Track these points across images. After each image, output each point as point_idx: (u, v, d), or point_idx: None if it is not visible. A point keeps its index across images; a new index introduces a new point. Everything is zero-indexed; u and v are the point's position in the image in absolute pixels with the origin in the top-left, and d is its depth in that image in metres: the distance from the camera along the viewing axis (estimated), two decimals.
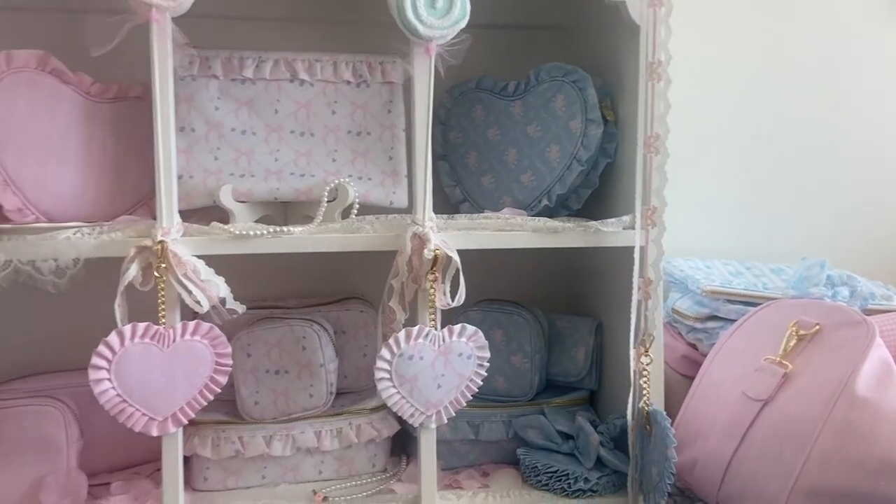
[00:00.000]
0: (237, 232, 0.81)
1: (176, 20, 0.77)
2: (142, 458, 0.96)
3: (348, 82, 0.90)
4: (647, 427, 0.87)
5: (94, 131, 0.87)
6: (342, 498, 0.89)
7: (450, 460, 0.97)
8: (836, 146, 1.32)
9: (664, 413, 0.85)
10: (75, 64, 0.86)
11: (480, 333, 0.85)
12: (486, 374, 0.86)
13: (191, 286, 0.77)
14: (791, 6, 1.29)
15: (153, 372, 0.77)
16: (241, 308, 0.82)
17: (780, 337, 0.87)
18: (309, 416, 0.93)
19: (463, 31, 0.81)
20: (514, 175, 0.98)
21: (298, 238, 0.82)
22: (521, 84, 0.99)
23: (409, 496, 0.89)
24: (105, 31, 0.75)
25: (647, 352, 0.88)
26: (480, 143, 1.01)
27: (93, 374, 0.75)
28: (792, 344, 0.85)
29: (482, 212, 0.96)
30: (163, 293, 0.77)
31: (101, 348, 0.75)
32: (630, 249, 0.88)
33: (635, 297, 0.88)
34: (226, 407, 0.93)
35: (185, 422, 0.79)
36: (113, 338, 0.75)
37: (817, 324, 0.85)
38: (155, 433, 0.78)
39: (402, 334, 0.82)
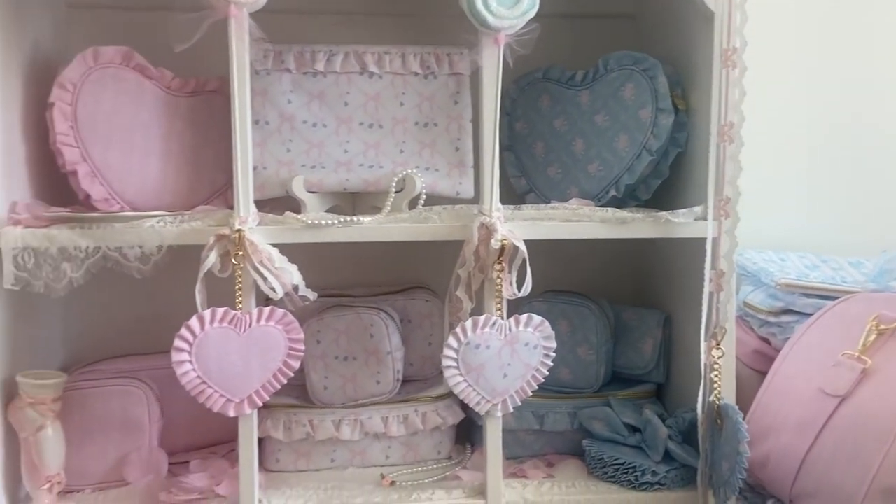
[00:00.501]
0: (310, 221, 0.83)
1: (251, 15, 0.79)
2: (216, 439, 1.00)
3: (416, 74, 0.91)
4: (718, 421, 0.86)
5: (173, 124, 0.91)
6: (409, 483, 0.91)
7: (514, 449, 0.97)
8: None
9: (736, 407, 0.84)
10: (151, 59, 0.89)
11: (547, 323, 0.85)
12: (552, 364, 0.86)
13: (266, 273, 0.80)
14: None
15: (231, 355, 0.80)
16: (312, 295, 0.84)
17: (858, 332, 0.84)
18: (376, 403, 0.95)
19: (531, 20, 0.81)
20: (581, 165, 0.97)
21: (368, 227, 0.84)
22: (588, 73, 0.98)
23: (475, 483, 0.90)
24: (186, 27, 0.78)
25: (718, 345, 0.86)
26: (547, 133, 1.01)
27: (175, 357, 0.78)
28: (871, 339, 0.83)
29: (548, 202, 0.95)
30: (240, 280, 0.80)
31: (183, 332, 0.79)
32: (700, 241, 0.87)
33: (707, 289, 0.86)
34: (296, 391, 0.96)
35: (260, 404, 0.82)
36: (194, 322, 0.79)
37: None
38: (232, 414, 0.81)
39: (468, 323, 0.83)
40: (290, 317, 0.82)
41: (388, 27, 1.06)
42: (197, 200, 0.92)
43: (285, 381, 0.82)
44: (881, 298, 0.89)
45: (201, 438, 0.99)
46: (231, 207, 0.83)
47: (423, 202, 0.87)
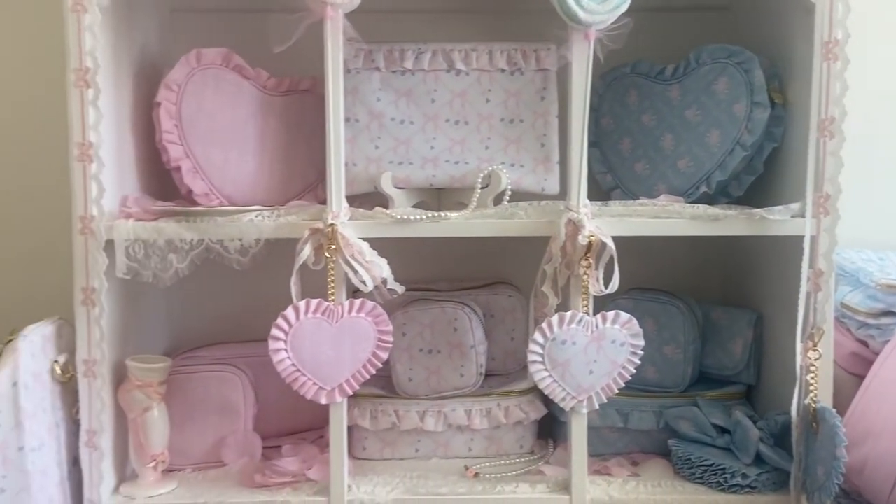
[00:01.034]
0: (399, 216, 0.85)
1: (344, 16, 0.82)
2: (306, 426, 1.03)
3: (503, 70, 0.91)
4: (814, 425, 0.83)
5: (268, 123, 0.95)
6: (493, 475, 0.92)
7: (597, 447, 0.97)
8: None
9: (834, 411, 0.81)
10: (248, 60, 0.93)
11: (635, 321, 0.85)
12: (639, 362, 0.85)
13: (357, 266, 0.82)
14: None
15: (323, 345, 0.83)
16: (400, 289, 0.86)
17: None
18: (459, 395, 0.96)
19: (622, 15, 0.80)
20: (670, 161, 0.96)
21: (455, 223, 0.85)
22: (679, 67, 0.96)
23: (559, 478, 0.90)
24: (284, 28, 0.81)
25: (815, 346, 0.83)
26: (634, 128, 1.00)
27: (272, 345, 0.82)
28: None
29: (635, 199, 0.94)
30: (332, 272, 0.83)
31: (280, 321, 0.82)
32: (796, 239, 0.84)
33: (804, 288, 0.83)
34: (382, 382, 0.98)
35: (350, 393, 0.84)
36: (290, 312, 0.82)
37: None
38: (323, 401, 0.84)
39: (555, 319, 0.83)
40: (380, 309, 0.84)
41: (476, 25, 1.07)
42: (289, 196, 0.95)
43: (374, 371, 0.85)
44: None
45: (291, 425, 1.03)
46: (321, 202, 0.86)
47: (508, 198, 0.88)
